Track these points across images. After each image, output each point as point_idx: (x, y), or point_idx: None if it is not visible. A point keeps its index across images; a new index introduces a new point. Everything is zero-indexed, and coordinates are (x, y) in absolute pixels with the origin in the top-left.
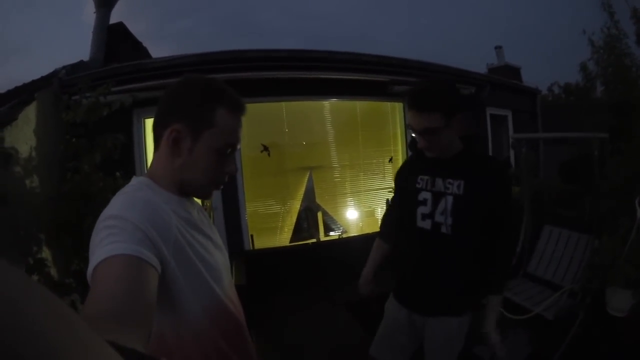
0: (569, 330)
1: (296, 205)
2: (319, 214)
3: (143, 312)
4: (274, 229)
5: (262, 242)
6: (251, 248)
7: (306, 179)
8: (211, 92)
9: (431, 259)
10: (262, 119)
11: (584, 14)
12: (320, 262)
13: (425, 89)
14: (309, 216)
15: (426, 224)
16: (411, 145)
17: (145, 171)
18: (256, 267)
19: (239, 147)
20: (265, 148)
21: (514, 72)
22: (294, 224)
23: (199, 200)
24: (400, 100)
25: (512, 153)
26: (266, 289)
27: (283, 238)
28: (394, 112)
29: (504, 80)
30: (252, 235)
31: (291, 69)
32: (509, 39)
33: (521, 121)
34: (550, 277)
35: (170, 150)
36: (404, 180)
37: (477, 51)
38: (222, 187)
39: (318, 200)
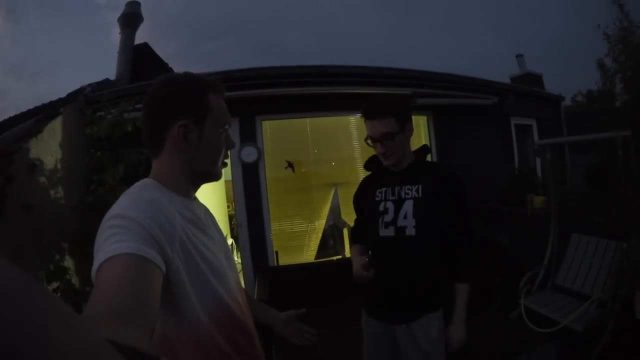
0: (599, 341)
1: (322, 223)
2: (345, 231)
3: (146, 311)
4: (300, 247)
5: (287, 259)
6: (275, 264)
7: (331, 196)
8: (197, 82)
9: (399, 264)
10: (286, 136)
11: (595, 12)
12: (345, 278)
13: (379, 100)
14: (335, 233)
15: (389, 232)
16: (366, 164)
17: None
18: (280, 283)
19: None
20: (290, 164)
21: (536, 79)
22: (319, 241)
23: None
24: (424, 113)
25: (537, 162)
26: (289, 304)
27: (309, 255)
28: (418, 125)
29: (526, 89)
30: (276, 252)
31: (315, 84)
32: (528, 47)
33: (546, 129)
34: (579, 288)
35: (178, 147)
36: (362, 198)
37: (500, 62)
38: (226, 165)
39: (344, 217)
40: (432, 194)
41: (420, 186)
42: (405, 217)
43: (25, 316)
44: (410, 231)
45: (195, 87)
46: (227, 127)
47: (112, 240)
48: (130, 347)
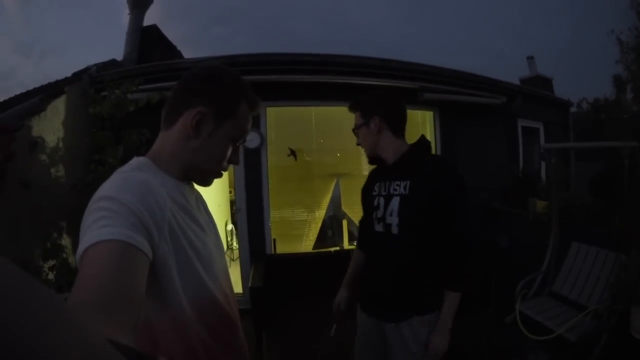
0: (591, 353)
1: (322, 213)
2: (344, 222)
3: (131, 301)
4: (299, 236)
5: (285, 247)
6: (273, 252)
7: (333, 186)
8: (239, 86)
9: (385, 262)
10: (290, 123)
11: (613, 17)
12: (341, 270)
13: (360, 96)
14: (334, 224)
15: (380, 227)
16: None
17: None
18: (276, 271)
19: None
20: (292, 152)
21: (546, 83)
22: (318, 231)
23: (200, 189)
24: (430, 108)
25: (542, 165)
26: (284, 293)
27: (307, 245)
28: (425, 120)
29: (535, 91)
30: (274, 240)
31: (320, 73)
32: (541, 50)
33: (553, 134)
34: (576, 297)
35: (189, 131)
36: (364, 192)
37: (509, 63)
38: (221, 177)
39: (344, 208)
40: (420, 191)
41: (408, 182)
42: (391, 214)
43: (27, 315)
44: (395, 229)
45: (235, 87)
46: (240, 142)
47: (98, 225)
48: (130, 347)
